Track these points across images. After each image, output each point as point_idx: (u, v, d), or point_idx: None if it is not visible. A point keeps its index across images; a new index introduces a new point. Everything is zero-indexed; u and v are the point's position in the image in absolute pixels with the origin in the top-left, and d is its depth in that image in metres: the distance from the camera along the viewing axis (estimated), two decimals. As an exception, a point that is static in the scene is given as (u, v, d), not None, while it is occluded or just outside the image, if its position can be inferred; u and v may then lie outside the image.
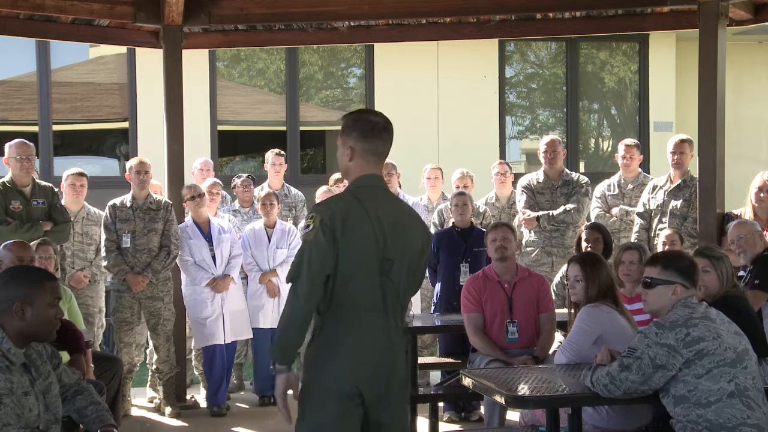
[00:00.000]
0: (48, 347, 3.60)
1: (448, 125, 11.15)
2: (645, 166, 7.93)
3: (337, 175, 8.16)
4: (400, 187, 7.53)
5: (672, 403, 3.74)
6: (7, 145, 6.71)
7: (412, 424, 5.79)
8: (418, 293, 7.20)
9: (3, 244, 5.50)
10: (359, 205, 3.27)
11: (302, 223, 7.14)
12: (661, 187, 7.10)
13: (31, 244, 5.78)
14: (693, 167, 6.98)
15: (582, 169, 11.52)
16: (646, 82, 11.73)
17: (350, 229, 3.22)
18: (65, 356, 4.78)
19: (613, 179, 7.61)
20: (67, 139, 11.05)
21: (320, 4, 7.44)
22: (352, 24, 7.72)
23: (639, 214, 7.13)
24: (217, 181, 7.72)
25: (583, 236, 6.27)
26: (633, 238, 7.03)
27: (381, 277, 3.25)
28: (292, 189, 8.28)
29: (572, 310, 4.79)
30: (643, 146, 8.11)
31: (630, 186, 7.50)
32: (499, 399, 3.94)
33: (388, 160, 7.70)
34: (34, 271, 3.78)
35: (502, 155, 11.12)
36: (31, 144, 6.75)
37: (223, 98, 11.09)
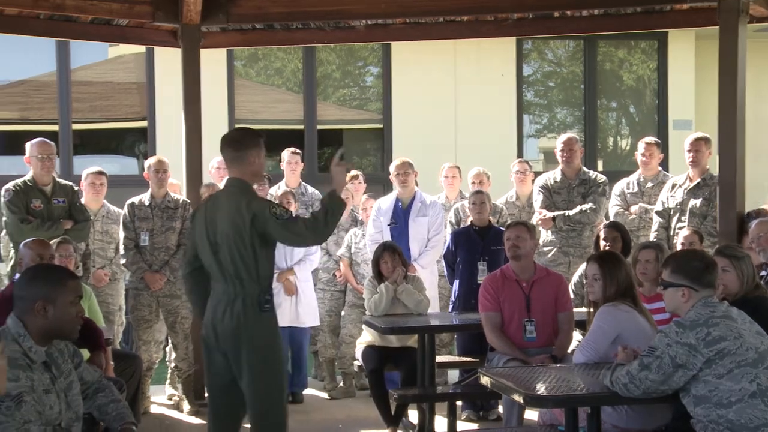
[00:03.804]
0: (70, 346, 3.61)
1: (466, 124, 11.14)
2: (664, 164, 7.88)
3: (351, 172, 8.14)
4: (417, 185, 7.51)
5: (692, 402, 3.71)
6: (28, 144, 6.74)
7: (430, 423, 5.84)
8: (436, 291, 7.27)
9: (23, 243, 5.54)
10: (205, 203, 4.52)
11: None
12: (680, 186, 7.05)
13: (51, 242, 5.80)
14: (713, 166, 6.94)
15: (600, 167, 11.47)
16: (665, 80, 11.66)
17: (194, 221, 4.48)
18: (85, 353, 4.80)
19: (633, 177, 7.56)
20: (86, 138, 11.08)
21: (337, 3, 7.42)
22: (369, 23, 7.70)
23: (658, 213, 7.08)
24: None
25: (602, 235, 6.26)
26: (652, 236, 6.98)
27: (214, 255, 4.28)
28: (309, 187, 8.28)
29: (591, 309, 4.76)
30: (662, 144, 8.04)
31: (649, 184, 7.45)
32: (518, 398, 3.93)
33: (405, 158, 7.71)
34: (56, 269, 3.78)
35: (520, 154, 11.09)
36: (52, 143, 6.78)
37: (240, 97, 11.11)
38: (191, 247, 4.49)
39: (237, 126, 4.36)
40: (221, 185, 7.43)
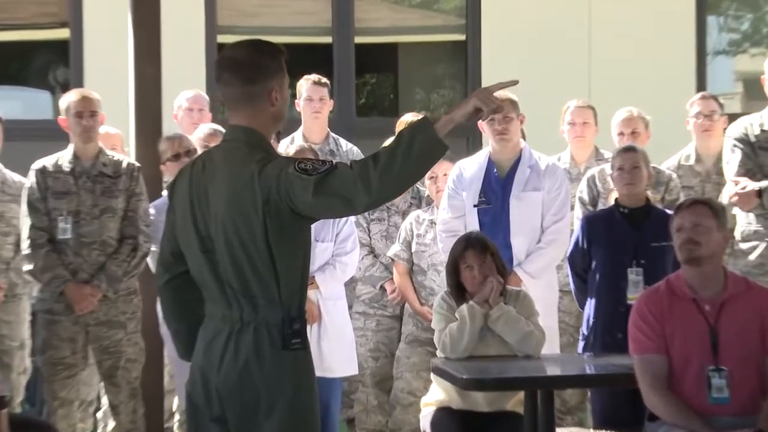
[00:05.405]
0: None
1: (606, 38, 11.11)
2: None
3: (408, 118, 8.13)
4: (524, 138, 7.52)
5: None
6: None
7: None
8: (555, 317, 7.32)
9: None
10: (189, 169, 4.45)
11: None
12: None
13: None
14: None
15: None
16: None
17: (173, 200, 4.45)
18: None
19: None
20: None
21: None
22: None
23: None
24: (219, 128, 7.74)
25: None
26: None
27: (206, 258, 4.29)
28: (343, 142, 8.42)
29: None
30: None
31: None
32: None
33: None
34: None
35: (701, 84, 11.05)
36: None
37: (226, -8, 11.16)
38: (169, 241, 4.50)
39: (246, 39, 4.17)
40: (196, 136, 7.49)
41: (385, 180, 3.95)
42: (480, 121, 4.25)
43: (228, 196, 4.20)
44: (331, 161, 4.13)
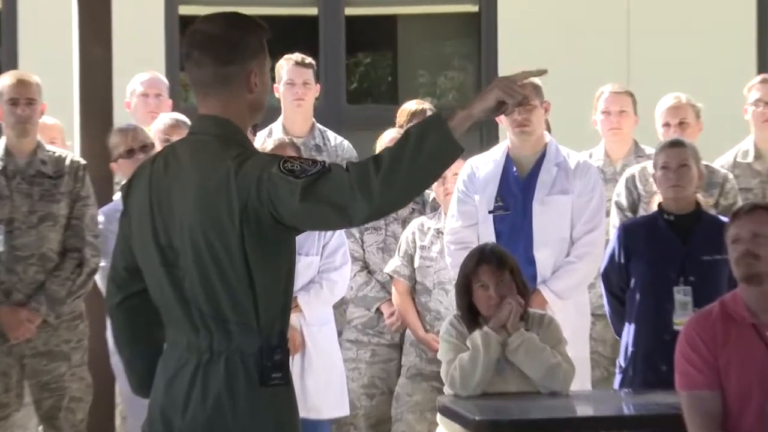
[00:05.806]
0: None
1: (648, 9, 11.15)
2: None
3: (411, 106, 8.19)
4: (549, 130, 7.52)
5: None
6: None
7: None
8: (587, 346, 7.42)
9: None
10: (148, 167, 4.44)
11: None
12: None
13: None
14: None
15: None
16: None
17: (131, 200, 4.44)
18: None
19: None
20: None
21: None
22: None
23: None
24: (182, 118, 7.78)
25: None
26: None
27: (169, 274, 4.27)
28: (331, 135, 8.45)
29: None
30: None
31: None
32: None
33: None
34: None
35: (763, 64, 11.06)
36: None
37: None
38: (122, 254, 4.52)
39: (221, 12, 4.20)
40: (154, 128, 7.43)
41: (389, 186, 3.93)
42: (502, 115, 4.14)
43: (197, 200, 4.19)
44: (324, 162, 4.09)
